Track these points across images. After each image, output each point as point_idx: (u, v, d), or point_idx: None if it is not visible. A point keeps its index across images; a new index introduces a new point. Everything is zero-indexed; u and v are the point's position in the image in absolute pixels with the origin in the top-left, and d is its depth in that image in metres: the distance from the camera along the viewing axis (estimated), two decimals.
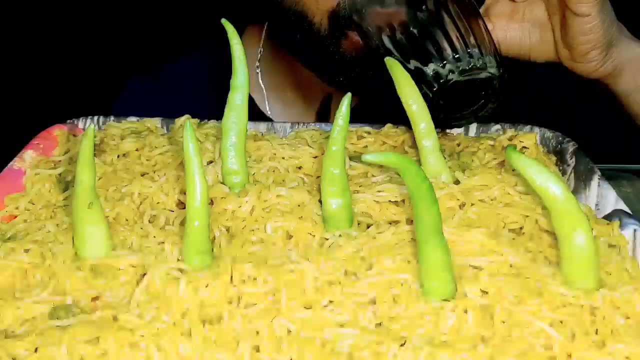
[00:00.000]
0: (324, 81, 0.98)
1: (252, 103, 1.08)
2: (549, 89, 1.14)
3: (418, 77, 0.75)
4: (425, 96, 0.74)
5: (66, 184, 0.76)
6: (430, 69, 0.75)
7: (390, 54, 0.78)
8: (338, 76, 0.92)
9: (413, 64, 0.76)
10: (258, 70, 1.14)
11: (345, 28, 0.87)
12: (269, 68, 1.14)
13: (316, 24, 0.89)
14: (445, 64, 0.74)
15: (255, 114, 1.07)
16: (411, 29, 0.78)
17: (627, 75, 0.86)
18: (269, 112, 1.14)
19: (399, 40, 0.78)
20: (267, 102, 1.14)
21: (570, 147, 0.83)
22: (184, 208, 0.61)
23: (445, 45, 0.75)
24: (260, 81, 1.14)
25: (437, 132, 0.75)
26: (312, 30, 0.89)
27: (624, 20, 0.87)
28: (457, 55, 0.74)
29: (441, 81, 0.75)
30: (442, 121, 0.79)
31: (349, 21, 0.85)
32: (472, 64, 0.74)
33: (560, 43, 0.84)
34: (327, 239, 0.65)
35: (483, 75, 0.75)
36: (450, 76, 0.74)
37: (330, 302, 0.58)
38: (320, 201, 0.68)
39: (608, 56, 0.83)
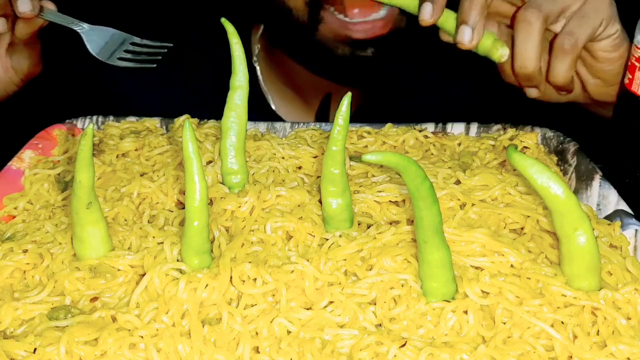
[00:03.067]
0: (316, 74, 0.99)
1: (265, 103, 1.09)
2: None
3: None
4: None
5: (65, 184, 0.76)
6: None
7: None
8: (326, 65, 0.94)
9: None
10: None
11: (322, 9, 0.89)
12: (266, 68, 1.14)
13: (294, 13, 0.91)
14: None
15: (267, 114, 1.08)
16: None
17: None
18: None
19: None
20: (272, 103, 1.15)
21: (572, 147, 0.83)
22: (183, 208, 0.60)
23: None
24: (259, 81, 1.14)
25: (438, 132, 0.75)
26: (292, 21, 0.92)
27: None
28: None
29: None
30: None
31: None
32: None
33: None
34: (327, 239, 0.65)
35: None
36: None
37: (331, 302, 0.58)
38: (320, 201, 0.68)
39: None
